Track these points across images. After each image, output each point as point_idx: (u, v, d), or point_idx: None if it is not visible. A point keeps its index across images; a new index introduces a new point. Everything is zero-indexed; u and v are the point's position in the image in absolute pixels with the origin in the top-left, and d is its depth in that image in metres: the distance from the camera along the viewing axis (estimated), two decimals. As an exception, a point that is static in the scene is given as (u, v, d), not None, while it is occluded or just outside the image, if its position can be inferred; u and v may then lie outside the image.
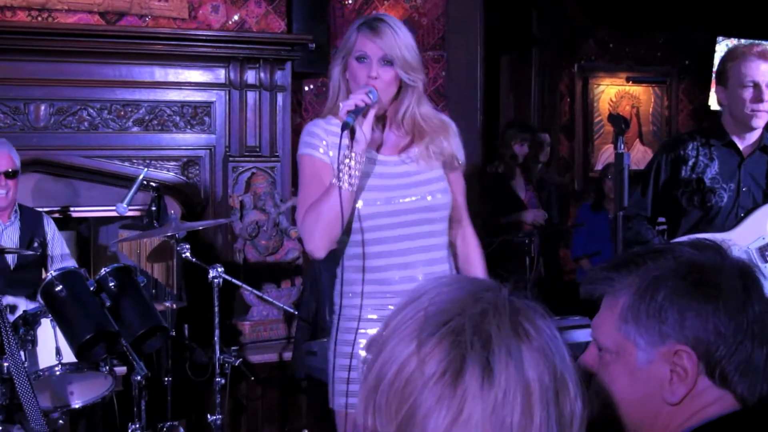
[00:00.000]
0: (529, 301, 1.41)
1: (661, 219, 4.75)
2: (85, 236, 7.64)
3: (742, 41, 9.61)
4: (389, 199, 3.35)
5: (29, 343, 5.03)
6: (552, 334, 1.37)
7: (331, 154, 3.33)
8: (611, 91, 9.92)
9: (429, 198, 3.42)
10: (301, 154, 3.39)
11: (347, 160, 3.19)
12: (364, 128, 3.22)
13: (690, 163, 4.49)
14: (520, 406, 1.29)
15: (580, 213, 8.59)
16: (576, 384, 1.37)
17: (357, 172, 3.21)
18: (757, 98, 4.31)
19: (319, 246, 3.21)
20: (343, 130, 3.16)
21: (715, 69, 4.82)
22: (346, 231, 3.33)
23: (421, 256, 3.39)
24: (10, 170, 5.59)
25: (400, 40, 3.35)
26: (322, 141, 3.35)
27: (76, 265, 5.90)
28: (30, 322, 5.08)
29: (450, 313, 1.33)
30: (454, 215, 3.53)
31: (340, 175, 3.17)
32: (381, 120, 3.45)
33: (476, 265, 3.62)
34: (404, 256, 3.36)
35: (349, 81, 3.39)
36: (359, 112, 3.18)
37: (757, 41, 5.37)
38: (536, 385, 1.30)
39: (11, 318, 4.93)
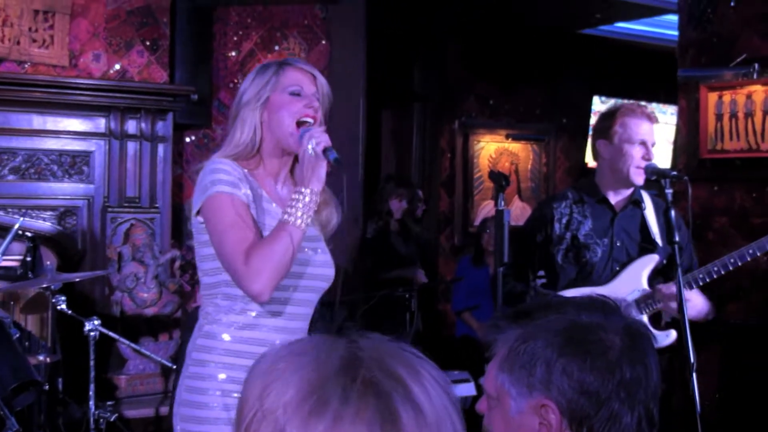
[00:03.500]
0: (397, 342, 1.36)
1: (541, 273, 4.85)
2: (-44, 286, 7.48)
3: (618, 101, 9.92)
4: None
5: None
6: (436, 367, 1.34)
7: (243, 192, 3.12)
8: (491, 148, 10.10)
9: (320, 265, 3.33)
10: (217, 193, 3.06)
11: (305, 198, 3.06)
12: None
13: (564, 220, 4.62)
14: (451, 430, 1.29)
15: (459, 267, 8.69)
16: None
17: (310, 215, 3.08)
18: (645, 157, 4.45)
19: (268, 287, 2.99)
20: (336, 164, 3.06)
21: (593, 124, 4.97)
22: None
23: (300, 324, 3.30)
24: None
25: (327, 85, 3.29)
26: (242, 182, 3.12)
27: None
28: None
29: (350, 367, 1.27)
30: None
31: (296, 212, 3.04)
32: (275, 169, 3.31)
33: None
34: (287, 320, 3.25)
35: (268, 118, 3.21)
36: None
37: (636, 101, 5.55)
38: (454, 410, 1.30)
39: None
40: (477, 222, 9.89)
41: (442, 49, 9.63)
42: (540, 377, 1.83)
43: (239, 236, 3.04)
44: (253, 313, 3.18)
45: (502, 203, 4.43)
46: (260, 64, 3.36)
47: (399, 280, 7.85)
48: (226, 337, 3.16)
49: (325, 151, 3.05)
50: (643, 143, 4.48)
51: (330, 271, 3.34)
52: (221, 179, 3.09)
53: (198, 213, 3.14)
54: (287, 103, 3.19)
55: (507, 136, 10.14)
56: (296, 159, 3.24)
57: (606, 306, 1.95)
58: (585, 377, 1.82)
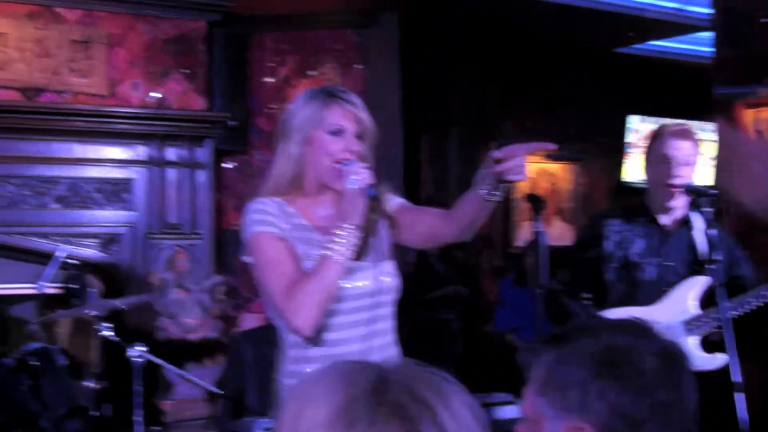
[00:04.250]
0: (430, 367, 1.38)
1: (587, 295, 4.81)
2: (2, 314, 7.53)
3: (655, 119, 9.90)
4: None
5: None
6: (466, 392, 1.37)
7: (281, 227, 3.15)
8: (529, 168, 10.06)
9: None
10: (257, 233, 3.14)
11: (346, 233, 3.06)
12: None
13: (616, 238, 4.59)
14: None
15: (502, 288, 8.66)
16: None
17: (351, 249, 3.07)
18: (677, 175, 4.42)
19: (310, 323, 3.03)
20: (374, 202, 3.08)
21: (628, 145, 4.95)
22: None
23: (379, 341, 3.27)
24: None
25: (369, 119, 3.26)
26: (277, 219, 3.16)
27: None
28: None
29: (378, 392, 1.30)
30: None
31: (337, 247, 3.05)
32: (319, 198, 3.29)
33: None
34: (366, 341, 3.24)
35: (309, 154, 3.21)
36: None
37: (673, 120, 5.52)
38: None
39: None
40: (517, 243, 9.87)
41: (477, 71, 9.64)
42: (576, 400, 1.82)
43: (278, 273, 3.09)
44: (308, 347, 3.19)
45: (539, 225, 4.41)
46: (307, 92, 3.33)
47: (441, 301, 7.83)
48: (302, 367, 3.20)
49: (365, 188, 3.07)
50: (677, 162, 4.45)
51: (378, 287, 3.28)
52: (256, 219, 3.16)
53: (246, 253, 3.22)
54: (328, 143, 3.17)
55: (545, 157, 10.14)
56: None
57: (641, 328, 1.95)
58: (620, 400, 1.80)
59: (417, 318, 7.48)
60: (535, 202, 4.44)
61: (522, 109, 10.04)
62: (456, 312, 7.77)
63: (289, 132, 3.23)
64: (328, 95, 3.23)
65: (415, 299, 7.95)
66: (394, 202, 3.40)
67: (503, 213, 10.00)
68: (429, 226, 3.37)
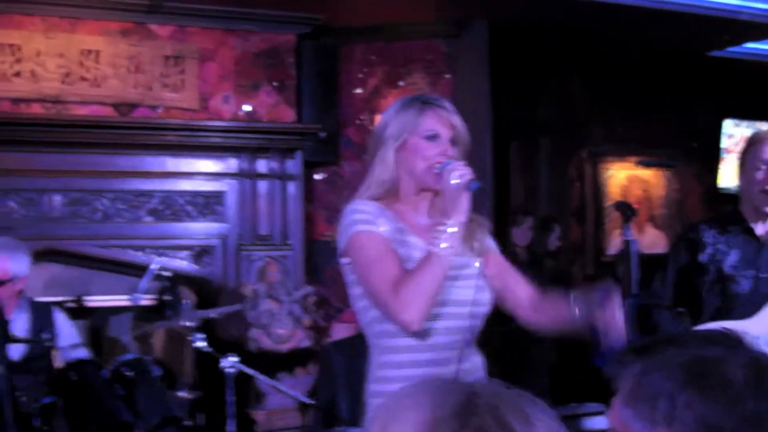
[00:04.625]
0: (517, 389, 1.38)
1: (680, 309, 4.70)
2: (98, 325, 7.63)
3: (750, 123, 9.71)
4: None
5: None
6: (552, 416, 1.37)
7: (382, 229, 3.15)
8: (621, 175, 9.94)
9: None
10: (357, 232, 3.14)
11: (449, 229, 3.05)
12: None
13: (708, 251, 4.46)
14: None
15: (595, 296, 8.53)
16: None
17: (456, 245, 3.06)
18: (766, 181, 4.27)
19: (419, 317, 3.00)
20: (479, 193, 3.06)
21: (723, 150, 4.82)
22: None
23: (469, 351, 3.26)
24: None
25: (463, 125, 3.26)
26: (378, 220, 3.16)
27: (87, 353, 5.86)
28: (47, 413, 5.05)
29: (463, 413, 1.30)
30: None
31: (441, 243, 3.04)
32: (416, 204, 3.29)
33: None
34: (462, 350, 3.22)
35: (405, 159, 3.23)
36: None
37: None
38: None
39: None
40: (610, 251, 9.74)
41: (566, 79, 9.55)
42: (663, 411, 1.76)
43: (384, 269, 3.07)
44: (401, 352, 3.16)
45: (629, 233, 4.32)
46: (402, 99, 3.35)
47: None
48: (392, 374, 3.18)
49: (467, 182, 3.05)
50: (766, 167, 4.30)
51: (477, 297, 3.26)
52: (357, 219, 3.15)
53: (342, 255, 3.19)
54: (423, 149, 3.18)
55: (637, 163, 10.00)
56: (436, 192, 3.24)
57: (730, 339, 1.90)
58: (707, 411, 1.73)
59: (509, 328, 7.43)
60: (625, 210, 4.36)
61: (612, 116, 9.91)
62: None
63: (385, 139, 3.25)
64: (423, 102, 3.25)
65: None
66: (492, 245, 3.42)
67: (595, 221, 9.88)
68: (513, 298, 3.36)
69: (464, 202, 3.06)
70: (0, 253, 5.42)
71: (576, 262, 9.77)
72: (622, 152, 10.00)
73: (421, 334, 3.11)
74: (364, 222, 3.13)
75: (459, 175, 3.05)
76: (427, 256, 3.04)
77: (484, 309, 3.27)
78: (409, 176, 3.21)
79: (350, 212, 3.19)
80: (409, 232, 3.20)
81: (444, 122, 3.21)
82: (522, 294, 3.35)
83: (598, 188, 9.91)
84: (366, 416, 3.25)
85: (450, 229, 3.05)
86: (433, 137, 3.18)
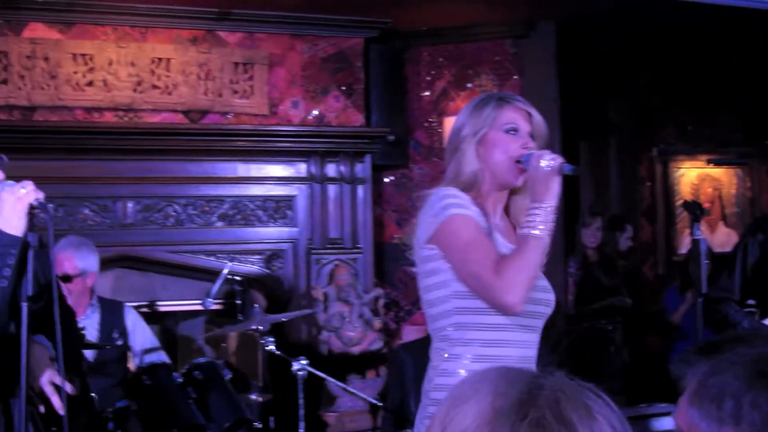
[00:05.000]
0: (581, 381, 1.36)
1: (751, 302, 4.62)
2: (170, 329, 7.70)
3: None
4: None
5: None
6: (617, 411, 1.33)
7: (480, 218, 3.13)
8: (692, 174, 9.82)
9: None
10: (452, 215, 3.06)
11: (543, 211, 3.01)
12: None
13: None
14: None
15: (667, 297, 8.43)
16: None
17: (552, 225, 3.03)
18: None
19: (522, 298, 2.97)
20: (576, 173, 3.07)
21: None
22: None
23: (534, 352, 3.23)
24: (69, 275, 5.46)
25: (541, 118, 3.25)
26: (470, 205, 3.11)
27: (165, 356, 5.94)
28: (121, 417, 5.09)
29: (523, 405, 1.28)
30: None
31: (537, 224, 3.01)
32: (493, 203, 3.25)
33: None
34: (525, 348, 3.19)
35: (485, 154, 3.19)
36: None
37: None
38: None
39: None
40: (681, 250, 9.61)
41: (635, 78, 9.44)
42: (729, 411, 1.72)
43: (484, 250, 3.02)
44: (480, 345, 3.10)
45: (698, 233, 4.25)
46: (479, 97, 3.32)
47: (605, 311, 7.67)
48: (462, 372, 3.07)
49: (560, 166, 3.01)
50: None
51: (550, 296, 3.24)
52: (453, 203, 3.09)
53: (427, 242, 3.11)
54: (503, 142, 3.15)
55: (708, 162, 9.86)
56: (511, 193, 3.23)
57: None
58: None
59: (581, 328, 7.37)
60: (694, 209, 4.28)
61: (683, 114, 9.78)
62: (619, 322, 7.60)
63: (462, 138, 3.21)
64: (499, 98, 3.24)
65: (578, 310, 7.81)
66: None
67: (666, 220, 9.76)
68: None
69: (556, 185, 3.01)
70: (65, 249, 5.52)
71: (647, 262, 9.66)
72: (692, 151, 9.87)
73: (501, 329, 3.08)
74: (458, 206, 3.08)
75: (550, 158, 3.01)
76: (525, 238, 3.01)
77: (548, 310, 3.23)
78: (490, 172, 3.17)
79: (442, 197, 3.13)
80: (491, 229, 3.14)
81: (522, 115, 3.19)
82: None
83: (668, 187, 9.80)
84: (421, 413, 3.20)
85: (542, 211, 3.00)
86: (512, 130, 3.16)
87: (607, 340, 7.49)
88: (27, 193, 2.98)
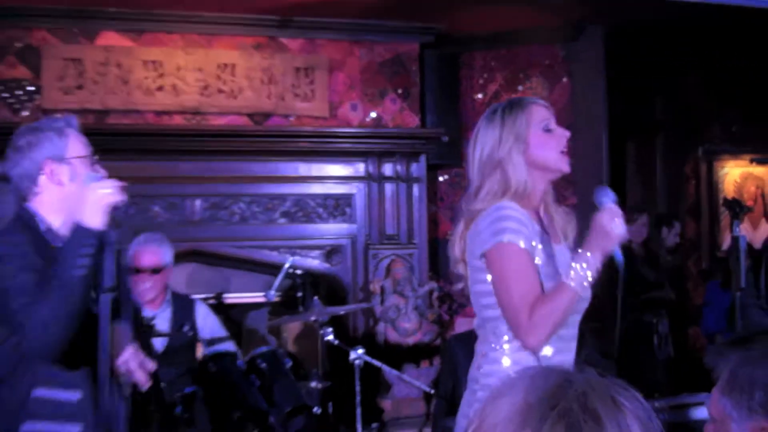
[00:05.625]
0: (611, 377, 1.39)
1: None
2: (236, 320, 7.78)
3: None
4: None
5: (186, 421, 5.14)
6: (644, 404, 1.36)
7: (533, 244, 3.12)
8: (736, 173, 9.74)
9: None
10: (507, 242, 3.06)
11: (588, 266, 2.99)
12: None
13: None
14: None
15: (709, 291, 8.42)
16: None
17: (594, 280, 3.01)
18: None
19: (544, 342, 3.03)
20: (616, 262, 3.00)
21: None
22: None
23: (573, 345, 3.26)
24: (156, 267, 5.60)
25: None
26: (526, 227, 3.11)
27: (233, 345, 6.00)
28: (188, 402, 5.20)
29: (552, 398, 1.32)
30: None
31: (579, 279, 2.99)
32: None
33: None
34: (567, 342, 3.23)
35: (532, 156, 3.19)
36: None
37: None
38: None
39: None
40: (724, 246, 9.56)
41: (682, 79, 9.39)
42: (760, 401, 1.80)
43: (525, 289, 3.04)
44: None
45: (738, 229, 4.28)
46: (488, 115, 3.28)
47: (648, 304, 7.67)
48: (506, 361, 3.14)
49: (612, 250, 3.00)
50: None
51: (587, 293, 3.20)
52: (511, 227, 3.08)
53: (481, 257, 3.12)
54: (548, 138, 3.20)
55: (751, 161, 9.78)
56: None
57: None
58: None
59: (626, 321, 7.36)
60: (735, 207, 4.33)
61: (728, 115, 9.71)
62: (663, 314, 7.58)
63: (506, 148, 3.18)
64: (516, 103, 3.24)
65: (623, 303, 7.82)
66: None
67: (710, 217, 9.72)
68: None
69: (608, 247, 2.99)
70: (150, 244, 5.63)
71: (691, 258, 9.62)
72: (737, 151, 9.80)
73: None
74: (513, 231, 3.07)
75: (618, 224, 2.99)
76: (564, 287, 3.01)
77: (584, 305, 3.23)
78: (540, 172, 3.20)
79: (502, 217, 3.11)
80: (549, 239, 3.19)
81: (550, 112, 3.25)
82: None
83: (713, 185, 9.73)
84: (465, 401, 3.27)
85: (588, 265, 2.98)
86: (549, 129, 3.20)
87: (651, 333, 7.48)
88: (109, 193, 3.13)
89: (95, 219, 3.08)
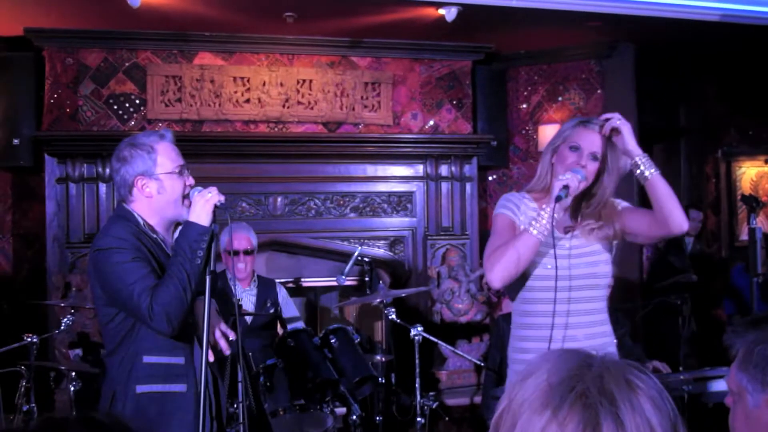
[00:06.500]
0: (627, 360, 1.36)
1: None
2: (312, 301, 7.86)
3: None
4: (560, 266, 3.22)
5: (268, 389, 5.22)
6: (657, 385, 1.32)
7: (521, 218, 3.30)
8: (752, 172, 9.59)
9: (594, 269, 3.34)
10: (497, 213, 3.34)
11: (543, 213, 3.13)
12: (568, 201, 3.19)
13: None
14: None
15: (733, 275, 8.32)
16: (683, 425, 1.32)
17: (546, 229, 3.13)
18: None
19: (497, 277, 3.12)
20: (556, 201, 3.12)
21: None
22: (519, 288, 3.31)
23: (583, 319, 3.29)
24: (248, 249, 5.78)
25: (604, 144, 3.28)
26: (518, 207, 3.32)
27: (304, 324, 6.04)
28: (270, 373, 5.27)
29: (572, 380, 1.28)
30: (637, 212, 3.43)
31: (533, 223, 3.13)
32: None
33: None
34: (567, 317, 3.26)
35: (554, 165, 3.33)
36: (568, 189, 3.13)
37: None
38: (659, 429, 1.27)
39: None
40: (742, 237, 9.45)
41: (704, 88, 9.28)
42: None
43: (495, 240, 3.25)
44: (542, 315, 3.26)
45: (755, 222, 4.26)
46: (573, 119, 3.45)
47: (673, 287, 7.62)
48: (531, 334, 3.31)
49: (556, 195, 3.15)
50: None
51: (596, 270, 3.35)
52: (501, 204, 3.38)
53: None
54: (566, 156, 3.28)
55: (766, 161, 9.65)
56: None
57: None
58: None
59: (653, 302, 7.32)
60: (751, 202, 4.31)
61: (744, 121, 9.58)
62: (687, 296, 7.53)
63: (546, 148, 3.41)
64: (580, 121, 3.34)
65: (650, 286, 7.79)
66: (621, 205, 3.45)
67: (729, 211, 9.61)
68: (643, 224, 3.38)
69: (552, 204, 3.14)
70: (244, 230, 5.81)
71: (712, 247, 9.53)
72: (753, 152, 9.66)
73: (544, 302, 3.25)
74: (504, 207, 3.34)
75: (559, 185, 3.15)
76: (521, 232, 3.19)
77: (604, 281, 3.37)
78: (555, 179, 3.25)
79: (502, 199, 3.41)
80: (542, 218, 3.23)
81: (589, 138, 3.26)
82: (647, 217, 3.36)
83: (731, 183, 9.60)
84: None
85: (542, 220, 3.14)
86: (575, 148, 3.26)
87: (676, 313, 7.43)
88: (213, 196, 3.23)
89: (204, 218, 3.19)
